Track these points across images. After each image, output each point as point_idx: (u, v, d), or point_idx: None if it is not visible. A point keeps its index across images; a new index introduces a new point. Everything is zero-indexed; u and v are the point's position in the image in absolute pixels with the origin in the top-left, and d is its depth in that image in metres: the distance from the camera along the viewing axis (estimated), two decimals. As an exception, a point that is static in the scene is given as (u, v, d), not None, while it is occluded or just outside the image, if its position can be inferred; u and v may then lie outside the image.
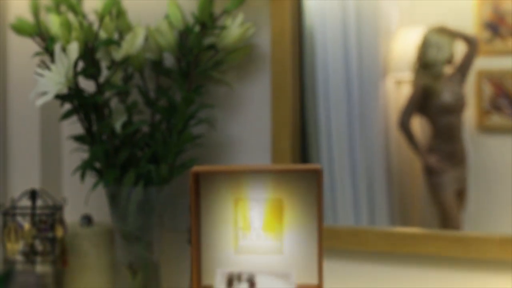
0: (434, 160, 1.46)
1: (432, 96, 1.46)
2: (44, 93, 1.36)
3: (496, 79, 1.39)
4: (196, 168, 0.80)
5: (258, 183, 0.83)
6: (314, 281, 0.83)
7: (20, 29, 1.43)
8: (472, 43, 1.41)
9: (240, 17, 1.45)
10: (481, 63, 1.39)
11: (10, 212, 1.42)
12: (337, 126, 1.50)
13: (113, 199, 1.45)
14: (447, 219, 1.44)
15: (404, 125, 1.47)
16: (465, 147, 1.43)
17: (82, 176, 1.44)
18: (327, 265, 1.43)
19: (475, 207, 1.41)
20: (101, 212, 1.62)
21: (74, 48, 1.34)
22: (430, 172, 1.46)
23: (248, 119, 1.53)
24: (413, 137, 1.46)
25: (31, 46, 1.59)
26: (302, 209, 0.83)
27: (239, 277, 0.75)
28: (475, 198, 1.41)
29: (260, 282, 0.74)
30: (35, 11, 1.44)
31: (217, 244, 0.83)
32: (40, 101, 1.34)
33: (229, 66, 1.53)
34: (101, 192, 1.56)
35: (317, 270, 0.82)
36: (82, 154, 1.60)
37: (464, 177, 1.43)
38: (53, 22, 1.40)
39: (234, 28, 1.45)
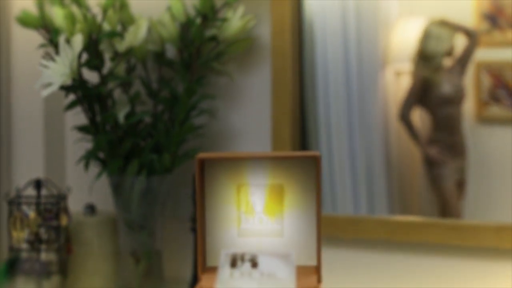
0: (434, 152, 1.46)
1: (431, 88, 1.46)
2: (49, 84, 1.37)
3: (495, 71, 1.39)
4: (201, 155, 0.85)
5: (260, 169, 0.87)
6: (312, 262, 0.89)
7: (25, 21, 1.45)
8: (472, 36, 1.41)
9: (241, 9, 1.47)
10: (480, 54, 1.40)
11: (15, 201, 1.44)
12: (336, 117, 1.51)
13: (117, 188, 1.47)
14: (447, 209, 1.45)
15: (404, 117, 1.47)
16: (464, 139, 1.44)
17: (86, 166, 1.46)
18: (326, 253, 1.45)
19: (475, 197, 1.41)
20: (104, 201, 1.64)
21: (78, 40, 1.36)
22: (430, 164, 1.46)
23: (249, 110, 1.55)
24: (413, 129, 1.47)
25: (34, 38, 1.61)
26: (302, 194, 0.88)
27: (242, 258, 0.80)
28: (474, 188, 1.41)
29: (262, 262, 0.80)
30: (40, 4, 1.46)
31: (221, 227, 0.88)
32: (45, 92, 1.36)
33: (230, 57, 1.55)
34: (104, 181, 1.58)
35: (315, 252, 0.88)
36: (85, 144, 1.62)
37: (464, 168, 1.44)
38: (57, 15, 1.41)
39: (235, 20, 1.47)
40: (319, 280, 0.86)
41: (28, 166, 1.71)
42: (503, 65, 1.38)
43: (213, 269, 0.86)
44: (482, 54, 1.40)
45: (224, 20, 1.46)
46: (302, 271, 0.86)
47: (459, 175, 1.45)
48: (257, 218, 0.88)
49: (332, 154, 1.51)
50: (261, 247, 0.87)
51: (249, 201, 0.89)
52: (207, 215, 0.88)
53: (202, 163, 0.87)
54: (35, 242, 1.44)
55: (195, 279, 1.47)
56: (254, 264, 0.80)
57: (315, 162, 0.86)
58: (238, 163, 0.88)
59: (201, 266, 0.87)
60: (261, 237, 0.88)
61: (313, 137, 1.52)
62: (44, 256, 1.45)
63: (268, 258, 0.80)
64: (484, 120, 1.41)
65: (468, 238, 1.38)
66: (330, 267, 1.47)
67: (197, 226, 0.86)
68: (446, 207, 1.46)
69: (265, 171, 0.88)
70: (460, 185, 1.44)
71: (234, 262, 0.80)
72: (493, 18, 1.39)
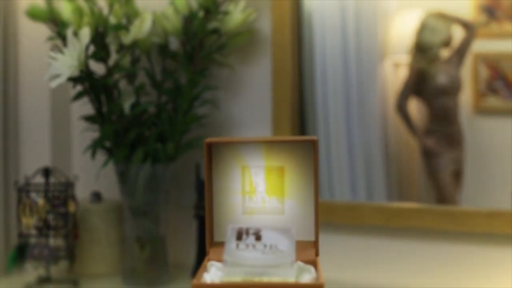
0: (431, 142, 1.51)
1: (428, 79, 1.50)
2: (57, 76, 1.41)
3: (492, 62, 1.44)
4: (209, 139, 0.96)
5: (262, 153, 0.98)
6: (311, 238, 1.00)
7: (34, 15, 1.50)
8: (469, 28, 1.46)
9: (242, 3, 1.52)
10: (477, 46, 1.45)
11: (24, 189, 1.50)
12: (334, 107, 1.55)
13: (122, 176, 1.52)
14: (444, 198, 1.50)
15: (401, 108, 1.52)
16: (461, 129, 1.49)
17: (93, 155, 1.52)
18: (325, 238, 1.47)
19: (472, 187, 1.47)
20: (110, 188, 1.67)
21: (85, 33, 1.41)
22: (427, 154, 1.51)
23: (250, 100, 1.60)
24: (410, 120, 1.52)
25: (41, 30, 1.64)
26: (301, 175, 0.97)
27: (247, 231, 0.91)
28: (471, 178, 1.47)
29: (265, 235, 0.91)
30: (48, -2, 1.51)
31: (227, 206, 0.99)
32: (54, 84, 1.42)
33: (231, 49, 1.58)
34: (109, 169, 1.61)
35: (314, 228, 0.99)
36: (90, 134, 1.65)
37: (461, 158, 1.49)
38: (65, 8, 1.47)
39: (236, 14, 1.51)
40: (316, 254, 0.97)
41: (35, 155, 1.74)
42: (500, 57, 1.44)
43: (220, 244, 0.97)
44: (480, 46, 1.46)
45: (226, 13, 1.51)
46: (301, 245, 0.96)
47: (456, 165, 1.50)
48: (259, 198, 0.99)
49: (329, 143, 1.56)
50: (264, 224, 0.98)
51: (253, 182, 0.99)
52: (214, 195, 0.99)
53: (210, 147, 0.98)
54: (44, 228, 1.51)
55: (198, 264, 1.53)
56: (258, 237, 0.91)
57: (313, 145, 0.97)
58: (242, 147, 0.98)
59: (209, 241, 0.98)
60: (264, 215, 1.00)
61: (311, 126, 1.58)
62: (52, 241, 1.52)
63: (270, 232, 0.91)
64: (481, 111, 1.46)
65: (462, 223, 1.43)
66: (329, 253, 1.53)
67: (205, 205, 0.97)
68: (443, 195, 1.51)
69: (267, 154, 0.99)
70: (457, 175, 1.50)
71: (239, 236, 0.91)
72: (491, 10, 1.44)
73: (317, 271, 0.93)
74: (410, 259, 1.50)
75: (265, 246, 0.90)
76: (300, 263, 0.95)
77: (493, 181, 1.46)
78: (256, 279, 0.88)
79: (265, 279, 0.88)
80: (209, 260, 0.97)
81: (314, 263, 0.96)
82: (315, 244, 0.98)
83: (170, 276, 1.57)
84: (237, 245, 0.90)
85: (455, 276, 1.47)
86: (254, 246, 0.90)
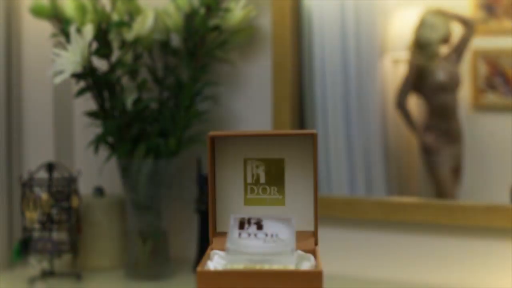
0: (430, 138, 1.53)
1: (427, 75, 1.53)
2: (61, 72, 1.45)
3: (491, 59, 1.47)
4: (212, 133, 1.02)
5: (263, 145, 1.03)
6: (310, 228, 1.05)
7: (38, 12, 1.55)
8: (468, 25, 1.49)
9: (243, 0, 1.55)
10: (476, 43, 1.48)
11: (28, 184, 1.54)
12: (333, 103, 1.58)
13: (125, 171, 1.56)
14: (443, 193, 1.53)
15: (401, 105, 1.54)
16: (460, 125, 1.51)
17: (96, 150, 1.56)
18: (325, 233, 1.48)
19: (470, 182, 1.49)
20: (113, 183, 1.70)
21: (88, 30, 1.45)
22: (426, 150, 1.54)
23: (250, 96, 1.63)
24: (410, 116, 1.54)
25: (45, 27, 1.67)
26: (300, 167, 1.01)
27: (248, 221, 0.96)
28: (470, 174, 1.49)
29: (266, 224, 0.96)
30: (52, -5, 1.54)
31: (229, 197, 1.04)
32: (58, 80, 1.46)
33: (232, 46, 1.61)
34: (112, 164, 1.65)
35: (313, 219, 1.04)
36: (92, 129, 1.68)
37: (460, 154, 1.52)
38: (68, 6, 1.51)
39: (237, 10, 1.55)
40: (316, 243, 1.02)
41: (39, 150, 1.78)
42: (499, 53, 1.46)
43: (223, 234, 1.02)
44: (479, 43, 1.48)
45: (227, 10, 1.55)
46: (301, 235, 1.01)
47: (455, 161, 1.53)
48: (261, 189, 1.05)
49: (329, 138, 1.59)
50: (265, 214, 1.03)
51: (254, 174, 1.05)
52: (217, 187, 1.04)
53: (213, 140, 1.04)
54: (47, 223, 1.55)
55: (200, 258, 1.55)
56: (259, 226, 0.96)
57: (312, 138, 1.02)
58: (244, 140, 1.04)
59: (212, 231, 1.04)
60: (265, 206, 1.05)
61: (311, 122, 1.61)
62: (55, 235, 1.56)
63: (271, 221, 0.96)
64: (480, 107, 1.49)
65: (460, 217, 1.45)
66: (329, 247, 1.53)
67: (209, 196, 1.03)
68: (442, 190, 1.54)
69: (268, 147, 1.04)
70: (456, 170, 1.53)
71: (241, 225, 0.96)
72: (490, 7, 1.47)
73: (316, 259, 0.99)
74: (409, 253, 1.53)
75: (266, 235, 0.95)
76: (300, 252, 0.99)
77: (491, 176, 1.48)
78: (258, 267, 0.93)
79: (266, 267, 0.93)
80: (212, 249, 1.02)
81: (313, 252, 1.01)
82: (315, 234, 1.03)
83: (172, 270, 1.61)
84: (239, 234, 0.95)
85: (454, 269, 1.49)
86: (255, 235, 0.95)
